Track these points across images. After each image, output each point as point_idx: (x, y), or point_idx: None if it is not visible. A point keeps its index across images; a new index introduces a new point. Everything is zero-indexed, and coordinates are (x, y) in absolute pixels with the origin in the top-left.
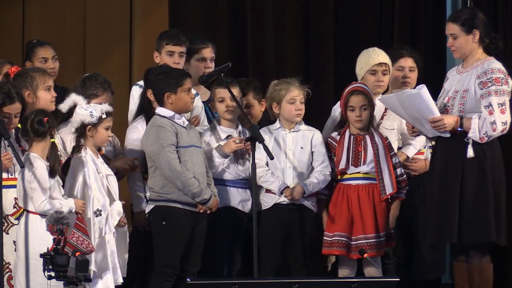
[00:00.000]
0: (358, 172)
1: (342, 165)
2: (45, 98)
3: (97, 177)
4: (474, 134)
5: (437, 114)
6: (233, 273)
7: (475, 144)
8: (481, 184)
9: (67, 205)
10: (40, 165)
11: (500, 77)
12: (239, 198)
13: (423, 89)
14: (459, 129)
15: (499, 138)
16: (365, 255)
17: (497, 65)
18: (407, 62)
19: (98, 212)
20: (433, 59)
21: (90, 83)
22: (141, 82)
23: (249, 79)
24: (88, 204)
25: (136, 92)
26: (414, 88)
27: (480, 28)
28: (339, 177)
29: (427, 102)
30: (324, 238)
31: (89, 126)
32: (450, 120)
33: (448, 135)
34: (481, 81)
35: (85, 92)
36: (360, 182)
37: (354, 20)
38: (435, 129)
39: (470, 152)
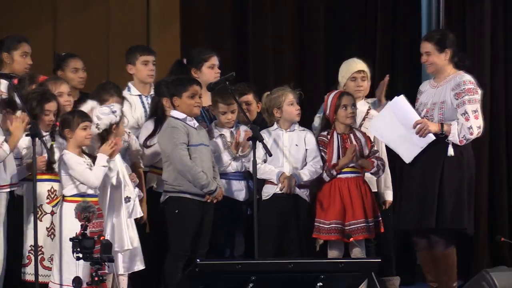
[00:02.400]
0: (347, 167)
1: (334, 160)
2: (59, 102)
3: (124, 167)
4: (454, 137)
5: (418, 116)
6: (237, 254)
7: (454, 145)
8: (459, 179)
9: (102, 158)
10: (71, 155)
11: (471, 88)
12: (234, 188)
13: (401, 96)
14: (441, 134)
15: (472, 142)
16: (351, 239)
17: (468, 77)
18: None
19: (127, 199)
20: (410, 74)
21: (101, 89)
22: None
23: (250, 83)
24: (122, 192)
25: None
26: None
27: (451, 47)
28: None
29: (407, 108)
30: (321, 225)
31: (114, 125)
32: (433, 126)
33: (433, 138)
34: (456, 93)
35: (98, 97)
36: (349, 175)
37: (340, 40)
38: (419, 134)
39: (451, 151)
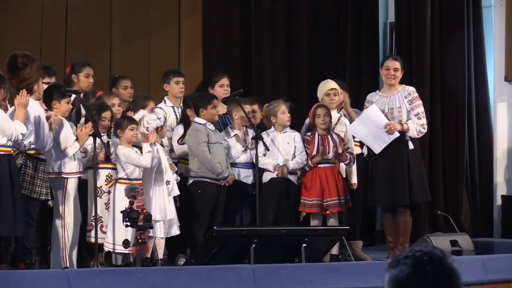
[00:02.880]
0: (325, 159)
1: (314, 153)
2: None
3: (166, 159)
4: (412, 133)
5: (387, 120)
6: (244, 223)
7: (412, 140)
8: (419, 165)
9: (146, 146)
10: (125, 149)
11: (417, 96)
12: (244, 174)
13: (374, 105)
14: (402, 131)
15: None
16: (327, 211)
17: (412, 88)
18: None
19: (167, 182)
20: (371, 87)
21: (139, 99)
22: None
23: (256, 97)
24: (164, 176)
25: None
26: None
27: (404, 69)
28: (312, 161)
29: (379, 113)
30: (305, 201)
31: (159, 128)
32: (398, 126)
33: (398, 135)
34: (409, 99)
35: (139, 105)
36: (326, 165)
37: (319, 63)
38: (388, 132)
39: (411, 145)
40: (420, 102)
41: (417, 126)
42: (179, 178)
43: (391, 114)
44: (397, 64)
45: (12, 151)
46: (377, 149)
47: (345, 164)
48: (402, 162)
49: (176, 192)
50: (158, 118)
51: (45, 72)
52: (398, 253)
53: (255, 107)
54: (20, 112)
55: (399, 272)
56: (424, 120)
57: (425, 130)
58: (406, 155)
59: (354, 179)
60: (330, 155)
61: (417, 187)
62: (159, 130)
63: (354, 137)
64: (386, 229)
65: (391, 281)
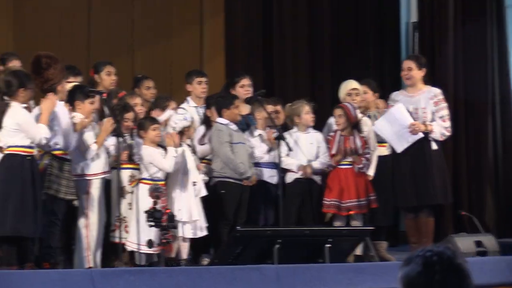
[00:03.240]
0: (347, 161)
1: (333, 151)
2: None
3: (192, 160)
4: (436, 135)
5: (412, 120)
6: (268, 223)
7: (435, 141)
8: (442, 166)
9: (171, 151)
10: (149, 148)
11: (443, 98)
12: (268, 174)
13: (401, 104)
14: (426, 132)
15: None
16: (350, 212)
17: (438, 90)
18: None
19: (194, 183)
20: (392, 85)
21: (161, 100)
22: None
23: (279, 98)
24: (190, 178)
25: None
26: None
27: (426, 68)
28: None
29: (404, 112)
30: (325, 202)
31: (186, 128)
32: (421, 126)
33: (421, 135)
34: (434, 101)
35: (161, 105)
36: (347, 166)
37: (342, 64)
38: (413, 132)
39: (434, 146)
40: (446, 105)
41: (441, 128)
42: (207, 178)
43: (415, 114)
44: (410, 63)
45: (35, 152)
46: (399, 149)
47: (358, 168)
48: (424, 162)
49: (203, 192)
50: (185, 119)
51: (70, 72)
52: (413, 252)
53: (278, 107)
54: (45, 115)
55: (410, 270)
56: (448, 123)
57: (449, 134)
58: (429, 155)
59: (371, 172)
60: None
61: (439, 188)
62: (186, 130)
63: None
64: (408, 230)
65: (402, 278)
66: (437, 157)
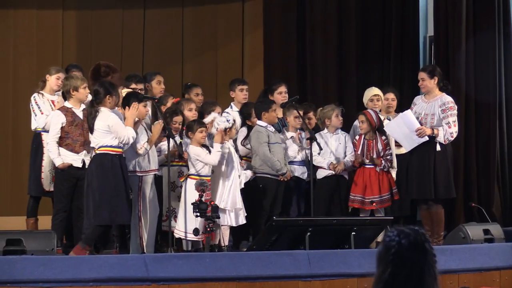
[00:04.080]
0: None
1: (358, 153)
2: (188, 114)
3: (237, 157)
4: (441, 139)
5: (419, 125)
6: (299, 214)
7: (439, 143)
8: (445, 165)
9: (216, 146)
10: (196, 148)
11: (452, 106)
12: (300, 171)
13: (409, 110)
14: (432, 136)
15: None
16: (374, 204)
17: (449, 98)
18: (390, 95)
19: (238, 177)
20: (412, 92)
21: (207, 105)
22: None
23: (311, 103)
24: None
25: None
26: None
27: (438, 76)
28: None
29: (412, 118)
30: (351, 196)
31: (228, 129)
32: (428, 130)
33: (427, 138)
34: (442, 109)
35: (207, 110)
36: (371, 166)
37: (366, 72)
38: (419, 136)
39: (438, 148)
40: (453, 112)
41: (446, 133)
42: (249, 173)
43: (425, 119)
44: (423, 75)
45: (122, 151)
46: (407, 148)
47: (379, 169)
48: (429, 161)
49: (242, 184)
50: (227, 121)
51: (133, 79)
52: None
53: (311, 114)
54: (130, 120)
55: (380, 248)
56: (453, 129)
57: (453, 138)
58: (433, 155)
59: (393, 171)
60: (366, 160)
61: (441, 184)
62: (227, 131)
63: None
64: (422, 219)
65: (376, 256)
66: (441, 157)
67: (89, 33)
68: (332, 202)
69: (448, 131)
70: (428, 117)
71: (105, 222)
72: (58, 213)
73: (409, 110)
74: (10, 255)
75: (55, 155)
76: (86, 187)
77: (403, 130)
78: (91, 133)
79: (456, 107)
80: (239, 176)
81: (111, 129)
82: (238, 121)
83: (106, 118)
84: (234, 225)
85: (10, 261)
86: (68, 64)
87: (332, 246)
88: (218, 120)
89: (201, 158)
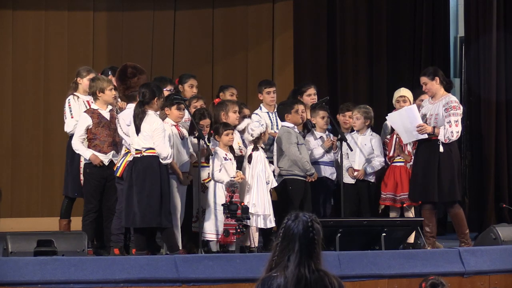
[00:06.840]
0: (400, 159)
1: (390, 154)
2: (232, 116)
3: (267, 162)
4: (441, 137)
5: (421, 122)
6: (327, 214)
7: (443, 144)
8: (450, 167)
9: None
10: (221, 152)
11: (455, 105)
12: (329, 172)
13: (415, 105)
14: (432, 134)
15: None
16: (404, 204)
17: (453, 98)
18: (424, 97)
19: (267, 181)
20: None
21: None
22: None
23: (349, 103)
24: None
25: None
26: None
27: (438, 76)
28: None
29: (416, 113)
30: (382, 195)
31: (262, 133)
32: (429, 128)
33: (426, 136)
34: (445, 108)
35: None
36: (401, 164)
37: (396, 74)
38: (420, 132)
39: (441, 149)
40: (456, 111)
41: (446, 132)
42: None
43: (429, 119)
44: (423, 79)
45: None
46: (405, 140)
47: (409, 165)
48: (433, 163)
49: (273, 184)
50: (261, 125)
51: (168, 82)
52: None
53: (350, 113)
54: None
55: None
56: (454, 128)
57: (454, 138)
58: (437, 157)
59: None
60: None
61: (445, 187)
62: (262, 135)
63: None
64: (424, 219)
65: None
66: (445, 159)
67: (119, 35)
68: (362, 203)
69: (449, 130)
70: (432, 117)
71: (152, 224)
72: (88, 214)
73: (414, 105)
74: (41, 256)
75: (83, 150)
76: (128, 188)
77: (405, 123)
78: (137, 134)
79: (460, 107)
80: (267, 182)
81: (152, 134)
82: (268, 122)
83: (152, 122)
84: (263, 227)
85: (41, 262)
86: (107, 67)
87: (363, 247)
88: (252, 126)
89: (212, 167)
